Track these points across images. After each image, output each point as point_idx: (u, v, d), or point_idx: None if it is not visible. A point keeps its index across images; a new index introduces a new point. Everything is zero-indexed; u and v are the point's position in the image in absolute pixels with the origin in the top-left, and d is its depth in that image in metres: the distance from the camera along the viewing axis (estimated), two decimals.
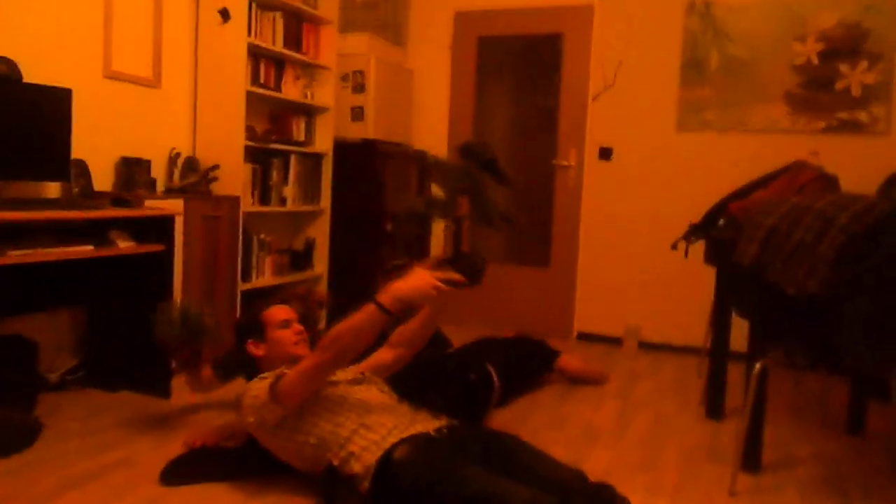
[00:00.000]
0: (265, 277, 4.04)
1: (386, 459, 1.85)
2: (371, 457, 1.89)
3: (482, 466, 1.78)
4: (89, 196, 3.05)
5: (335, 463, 1.95)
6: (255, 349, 2.36)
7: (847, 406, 3.07)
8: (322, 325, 3.17)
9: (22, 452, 2.39)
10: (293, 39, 4.13)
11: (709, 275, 3.45)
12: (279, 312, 2.38)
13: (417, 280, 1.83)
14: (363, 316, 1.87)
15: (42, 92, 2.81)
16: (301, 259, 4.38)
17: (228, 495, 2.13)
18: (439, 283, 1.82)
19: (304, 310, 2.71)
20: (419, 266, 1.92)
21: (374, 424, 1.98)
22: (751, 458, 2.50)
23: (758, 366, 2.34)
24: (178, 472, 2.22)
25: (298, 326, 2.35)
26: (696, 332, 4.22)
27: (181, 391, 3.12)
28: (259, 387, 2.12)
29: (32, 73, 2.89)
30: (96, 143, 3.24)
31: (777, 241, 2.13)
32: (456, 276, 1.88)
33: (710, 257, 3.03)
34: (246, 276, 3.86)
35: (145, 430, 2.66)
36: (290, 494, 2.14)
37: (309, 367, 1.95)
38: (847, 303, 2.03)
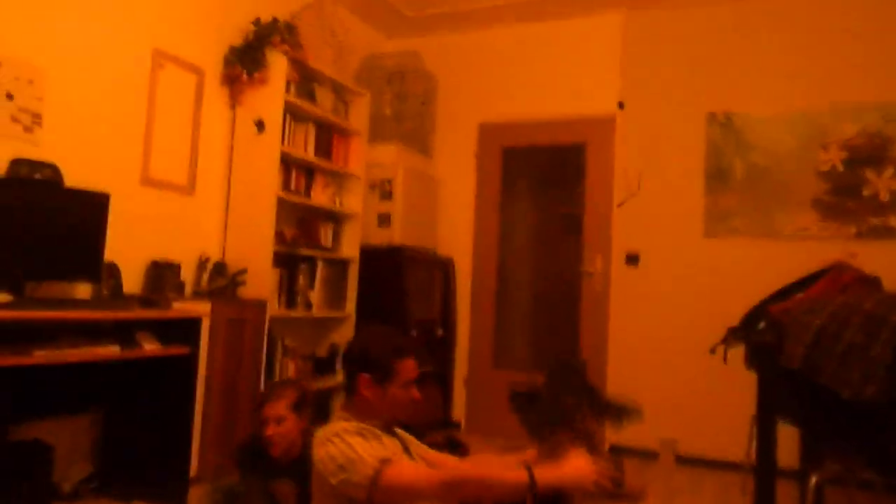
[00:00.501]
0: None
1: None
2: None
3: None
4: (118, 298, 3.05)
5: None
6: (365, 388, 1.94)
7: None
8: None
9: None
10: (324, 149, 4.26)
11: (747, 382, 3.31)
12: (411, 368, 2.03)
13: (580, 469, 1.67)
14: (508, 479, 1.67)
15: (82, 196, 2.88)
16: (324, 365, 4.30)
17: None
18: (601, 479, 1.67)
19: None
20: (578, 449, 1.76)
21: None
22: None
23: (813, 479, 2.18)
24: None
25: (418, 394, 2.03)
26: (737, 445, 4.00)
27: (199, 501, 2.98)
28: (358, 451, 1.74)
29: (73, 177, 2.98)
30: (129, 247, 3.27)
31: (826, 343, 2.04)
32: (614, 472, 1.74)
33: (751, 362, 2.91)
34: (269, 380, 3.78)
35: None
36: None
37: (423, 483, 1.70)
38: None
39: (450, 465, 1.82)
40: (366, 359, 1.98)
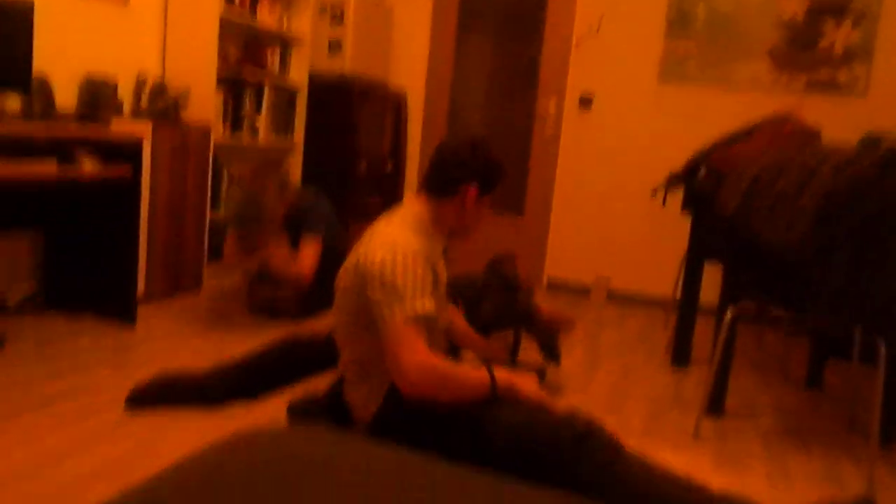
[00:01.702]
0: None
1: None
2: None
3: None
4: (51, 115, 2.90)
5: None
6: (468, 199, 1.77)
7: (807, 363, 3.14)
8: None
9: None
10: None
11: (682, 228, 3.48)
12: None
13: (531, 388, 1.66)
14: (475, 381, 1.63)
15: (4, 6, 2.64)
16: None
17: (193, 424, 2.10)
18: (544, 402, 1.64)
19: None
20: (528, 373, 1.77)
21: None
22: (715, 404, 2.55)
23: (729, 313, 2.36)
24: (144, 397, 2.18)
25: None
26: (665, 284, 4.28)
27: (147, 319, 3.06)
28: (408, 288, 1.61)
29: None
30: (60, 61, 3.07)
31: (759, 191, 2.13)
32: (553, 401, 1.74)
33: (688, 207, 3.03)
34: (213, 204, 3.76)
35: (109, 356, 2.60)
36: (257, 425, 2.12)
37: (415, 360, 1.58)
38: (822, 261, 2.05)
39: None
40: (485, 168, 1.76)
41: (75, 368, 2.45)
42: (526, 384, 1.67)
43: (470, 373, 1.64)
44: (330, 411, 1.92)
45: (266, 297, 3.35)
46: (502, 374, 1.65)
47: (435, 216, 1.79)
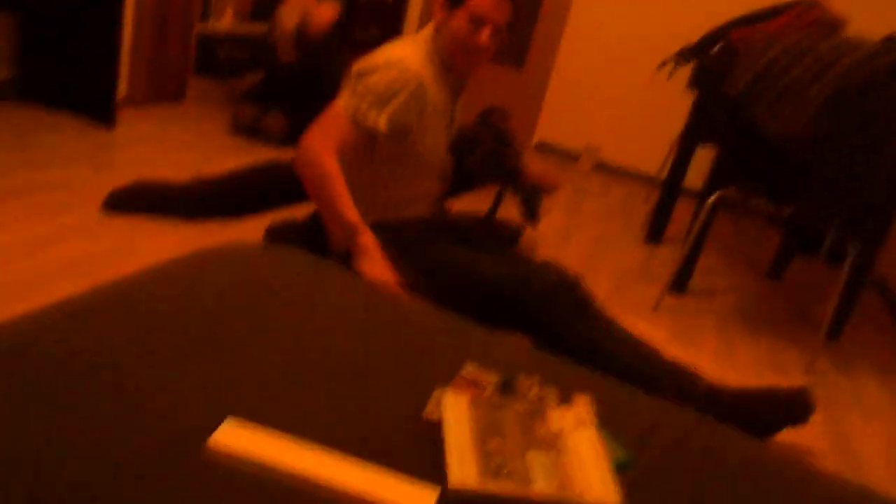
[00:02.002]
0: (225, 21, 3.75)
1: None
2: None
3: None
4: None
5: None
6: (439, 8, 1.66)
7: (775, 253, 3.22)
8: None
9: None
10: None
11: (680, 109, 3.40)
12: (485, 6, 1.60)
13: (381, 274, 1.50)
14: (340, 214, 1.54)
15: None
16: (266, 9, 4.05)
17: (169, 232, 2.11)
18: (396, 288, 1.49)
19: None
20: (383, 258, 1.54)
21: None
22: (680, 281, 2.63)
23: (712, 197, 2.37)
24: (122, 201, 2.17)
25: (484, 39, 1.61)
26: (654, 162, 4.25)
27: (127, 124, 2.98)
28: (374, 84, 1.54)
29: None
30: None
31: (772, 75, 2.07)
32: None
33: (695, 82, 2.95)
34: (204, 15, 3.56)
35: (88, 155, 2.55)
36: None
37: (314, 146, 1.53)
38: (817, 151, 2.03)
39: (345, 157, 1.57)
40: None
41: (53, 162, 2.40)
42: (374, 268, 1.52)
43: (342, 205, 1.54)
44: (308, 238, 1.93)
45: (252, 119, 3.26)
46: (366, 241, 1.53)
47: (433, 38, 1.68)
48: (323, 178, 1.54)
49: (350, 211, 1.54)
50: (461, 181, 2.38)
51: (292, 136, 3.23)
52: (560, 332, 1.56)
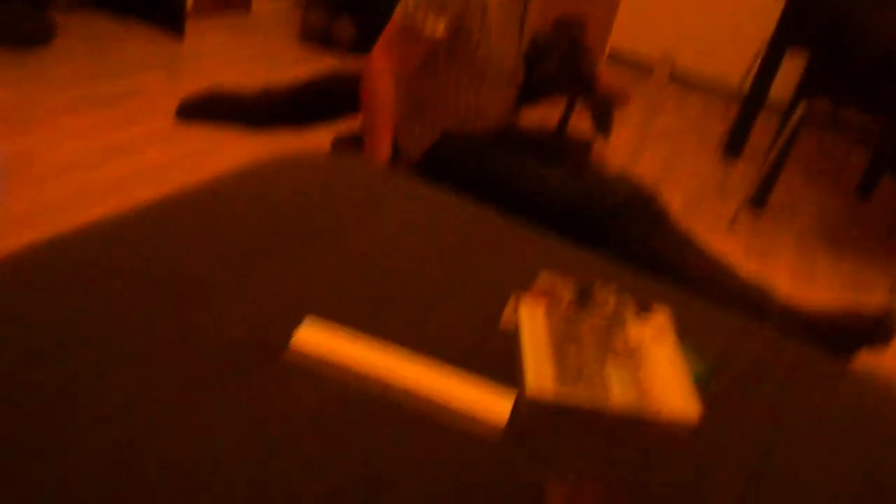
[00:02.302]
0: None
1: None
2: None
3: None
4: None
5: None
6: None
7: (863, 171, 3.03)
8: None
9: (36, 54, 2.33)
10: None
11: (767, 15, 3.16)
12: None
13: None
14: (378, 139, 1.57)
15: None
16: None
17: (240, 141, 2.13)
18: None
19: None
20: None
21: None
22: (759, 198, 2.52)
23: (800, 111, 2.23)
24: (193, 109, 2.19)
25: None
26: (735, 73, 4.01)
27: (195, 34, 2.98)
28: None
29: None
30: None
31: None
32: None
33: None
34: None
35: (157, 64, 2.57)
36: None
37: (370, 82, 1.52)
38: None
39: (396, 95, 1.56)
40: None
41: (125, 72, 2.43)
42: None
43: (380, 132, 1.55)
44: None
45: (320, 27, 3.21)
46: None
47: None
48: (370, 109, 1.53)
49: (382, 153, 1.55)
50: (532, 90, 2.30)
51: (362, 42, 3.17)
52: (634, 247, 1.52)
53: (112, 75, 2.37)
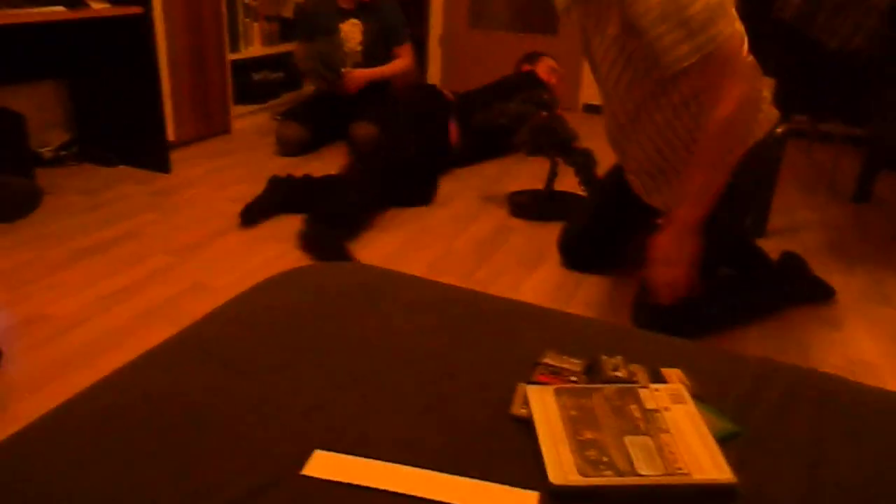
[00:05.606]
0: (254, 47, 3.80)
1: None
2: None
3: None
4: None
5: None
6: None
7: (857, 176, 3.02)
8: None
9: (27, 218, 2.40)
10: None
11: None
12: None
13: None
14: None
15: None
16: (291, 27, 4.08)
17: (241, 264, 2.15)
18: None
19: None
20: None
21: None
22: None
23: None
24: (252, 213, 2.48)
25: None
26: None
27: (181, 164, 3.06)
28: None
29: None
30: None
31: None
32: None
33: (741, 13, 2.78)
34: (234, 47, 3.62)
35: (148, 203, 2.63)
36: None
37: None
38: (888, 64, 1.89)
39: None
40: None
41: (117, 217, 2.49)
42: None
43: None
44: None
45: (296, 141, 3.33)
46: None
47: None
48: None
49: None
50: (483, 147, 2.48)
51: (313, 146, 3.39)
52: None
53: (105, 222, 2.43)
